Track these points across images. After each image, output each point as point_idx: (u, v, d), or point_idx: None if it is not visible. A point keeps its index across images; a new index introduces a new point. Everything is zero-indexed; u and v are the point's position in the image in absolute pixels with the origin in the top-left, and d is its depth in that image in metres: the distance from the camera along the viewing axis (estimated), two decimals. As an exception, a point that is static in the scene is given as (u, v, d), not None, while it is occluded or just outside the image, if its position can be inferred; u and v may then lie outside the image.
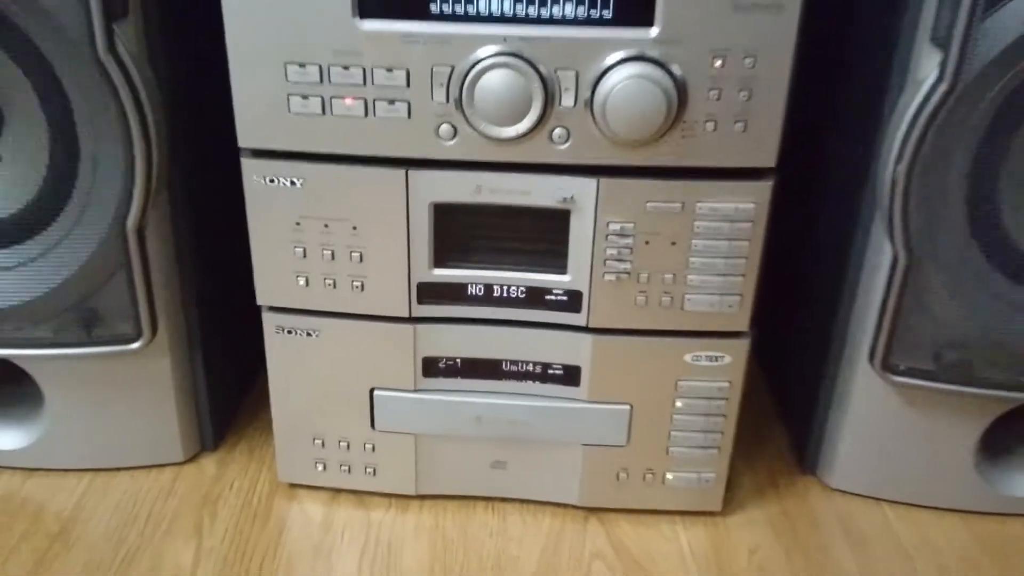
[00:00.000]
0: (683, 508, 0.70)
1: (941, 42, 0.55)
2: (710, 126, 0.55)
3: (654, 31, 0.53)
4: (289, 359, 0.66)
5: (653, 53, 0.53)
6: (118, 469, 0.73)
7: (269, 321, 0.65)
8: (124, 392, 0.70)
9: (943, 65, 0.55)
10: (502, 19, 0.53)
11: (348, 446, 0.69)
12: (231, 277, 0.73)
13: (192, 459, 0.74)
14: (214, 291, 0.71)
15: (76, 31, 0.56)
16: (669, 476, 0.68)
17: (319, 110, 0.56)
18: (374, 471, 0.69)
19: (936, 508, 0.72)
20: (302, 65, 0.55)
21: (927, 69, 0.56)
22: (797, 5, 0.52)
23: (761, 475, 0.75)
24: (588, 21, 0.53)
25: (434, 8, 0.53)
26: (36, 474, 0.73)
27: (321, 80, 0.55)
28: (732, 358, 0.63)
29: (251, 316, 0.67)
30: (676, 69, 0.53)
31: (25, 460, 0.73)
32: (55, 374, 0.70)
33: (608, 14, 0.53)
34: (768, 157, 0.57)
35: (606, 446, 0.67)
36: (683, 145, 0.56)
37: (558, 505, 0.70)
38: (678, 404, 0.65)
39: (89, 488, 0.71)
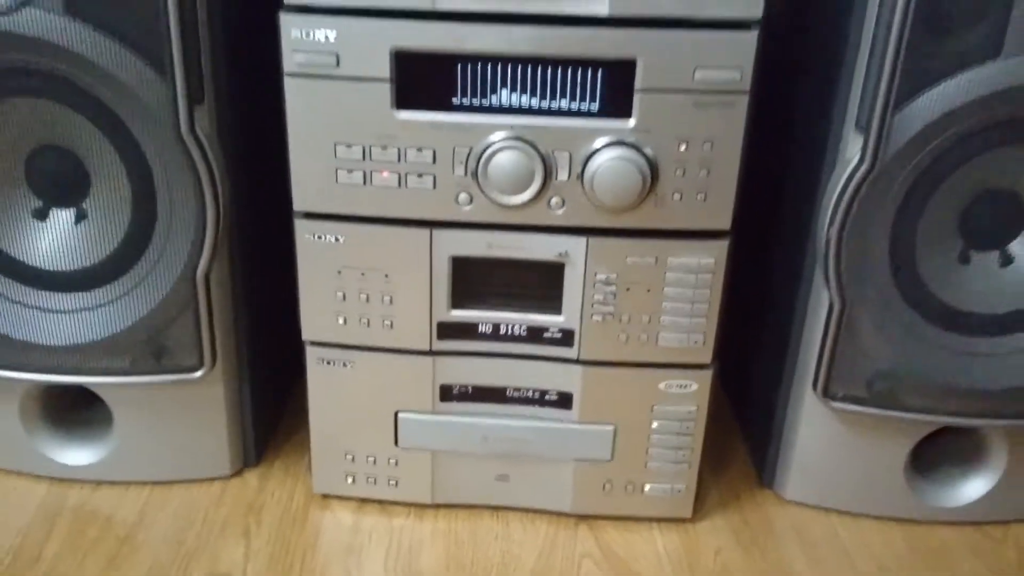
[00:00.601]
0: (659, 515, 0.81)
1: (863, 130, 0.67)
2: (677, 196, 0.68)
3: (631, 122, 0.66)
4: (327, 386, 0.77)
5: (631, 139, 0.66)
6: (174, 482, 0.84)
7: (312, 354, 0.76)
8: (182, 414, 0.81)
9: (864, 148, 0.66)
10: (511, 111, 0.66)
11: (375, 461, 0.80)
12: (271, 316, 0.85)
13: (237, 473, 0.85)
14: (258, 328, 0.83)
15: (163, 114, 0.67)
16: (647, 487, 0.80)
17: (361, 181, 0.69)
18: (396, 483, 0.81)
19: (874, 516, 0.82)
20: (349, 145, 0.68)
21: (853, 151, 0.68)
22: (745, 102, 0.65)
23: (725, 488, 0.86)
24: (579, 113, 0.66)
25: (456, 102, 0.66)
26: (103, 486, 0.83)
27: (363, 157, 0.68)
28: (698, 386, 0.75)
29: (285, 350, 0.78)
30: (649, 152, 0.66)
31: (94, 474, 0.84)
32: (125, 399, 0.81)
33: (595, 108, 0.66)
34: (724, 221, 0.69)
35: (594, 461, 0.78)
36: (655, 212, 0.68)
37: (553, 513, 0.81)
38: (654, 425, 0.77)
39: (150, 498, 0.82)
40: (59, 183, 0.74)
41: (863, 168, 0.67)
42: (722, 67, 0.64)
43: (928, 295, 0.73)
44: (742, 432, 0.94)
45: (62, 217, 0.75)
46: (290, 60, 0.65)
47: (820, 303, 0.74)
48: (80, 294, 0.76)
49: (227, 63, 0.71)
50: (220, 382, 0.80)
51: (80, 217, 0.75)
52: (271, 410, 0.91)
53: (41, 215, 0.75)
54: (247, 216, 0.78)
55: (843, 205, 0.69)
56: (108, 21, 0.65)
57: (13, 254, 0.75)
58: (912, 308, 0.73)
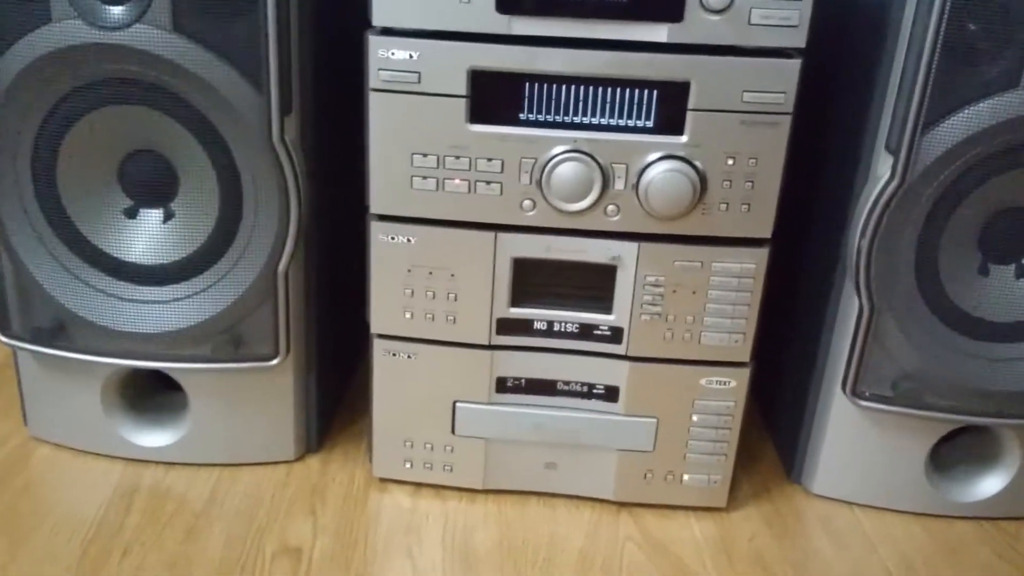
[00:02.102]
0: (696, 504, 0.87)
1: (893, 150, 0.73)
2: (723, 207, 0.74)
3: (684, 138, 0.72)
4: (391, 376, 0.83)
5: (682, 153, 0.73)
6: (242, 464, 0.90)
7: (379, 346, 0.83)
8: (253, 401, 0.87)
9: (894, 167, 0.73)
10: (573, 126, 0.73)
11: (432, 447, 0.86)
12: (337, 311, 0.92)
13: (300, 458, 0.91)
14: (326, 323, 0.90)
15: (256, 123, 0.74)
16: (686, 477, 0.86)
17: (434, 187, 0.75)
18: (451, 468, 0.87)
19: (896, 510, 0.88)
20: (425, 155, 0.74)
21: (883, 168, 0.74)
22: (787, 122, 0.72)
23: (756, 482, 0.92)
24: (636, 130, 0.73)
25: (523, 117, 0.73)
26: (175, 468, 0.90)
27: (438, 166, 0.74)
28: (737, 382, 0.81)
29: (347, 344, 0.84)
30: (699, 165, 0.73)
31: (167, 456, 0.90)
32: (201, 385, 0.87)
33: (651, 124, 0.73)
34: (766, 230, 0.76)
35: (636, 451, 0.84)
36: (703, 220, 0.75)
37: (596, 500, 0.87)
38: (694, 419, 0.83)
39: (220, 479, 0.88)
40: (150, 185, 0.80)
41: (892, 184, 0.74)
42: (768, 90, 0.70)
43: (950, 303, 0.79)
44: (769, 430, 1.00)
45: (151, 216, 0.81)
46: (375, 77, 0.72)
47: (850, 308, 0.80)
48: (167, 287, 0.82)
49: (314, 78, 0.78)
50: (290, 371, 0.86)
51: (168, 216, 0.81)
52: (332, 400, 0.98)
53: (131, 214, 0.81)
54: (323, 217, 0.84)
55: (874, 218, 0.75)
56: (211, 38, 0.72)
57: (103, 248, 0.82)
58: (935, 315, 0.79)
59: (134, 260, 0.82)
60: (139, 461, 0.90)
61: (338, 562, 0.79)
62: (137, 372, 0.88)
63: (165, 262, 0.82)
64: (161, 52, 0.72)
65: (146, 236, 0.82)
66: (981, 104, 0.71)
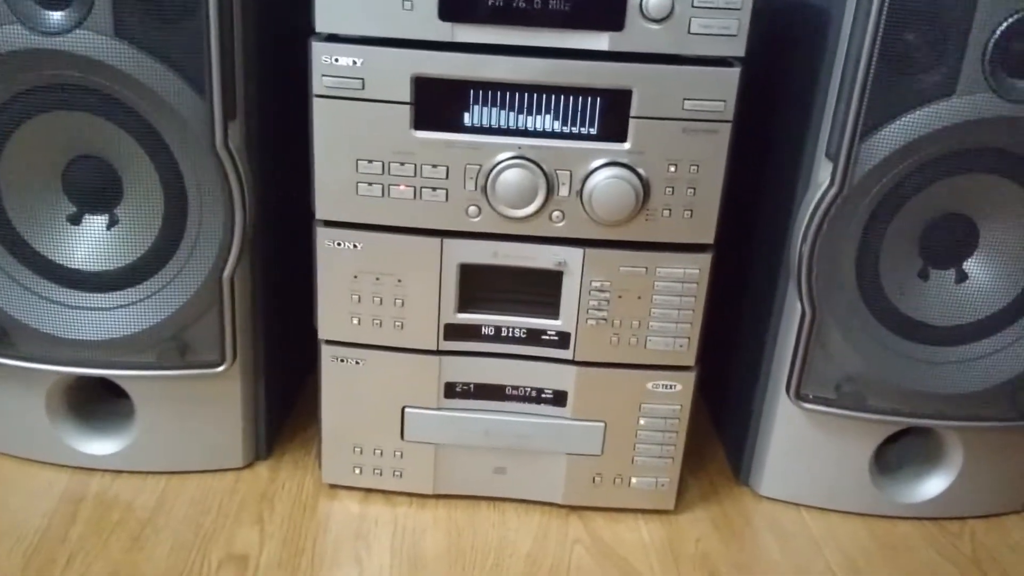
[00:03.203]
0: (644, 507, 0.87)
1: (833, 157, 0.74)
2: (666, 213, 0.75)
3: (627, 145, 0.73)
4: (340, 382, 0.83)
5: (625, 160, 0.73)
6: (190, 472, 0.89)
7: (327, 352, 0.82)
8: (200, 408, 0.87)
9: (833, 173, 0.74)
10: (518, 133, 0.73)
11: (381, 453, 0.86)
12: (285, 317, 0.91)
13: (248, 466, 0.91)
14: (274, 328, 0.89)
15: (200, 128, 0.73)
16: (634, 480, 0.86)
17: (379, 194, 0.75)
18: (401, 474, 0.87)
19: (842, 511, 0.89)
20: (370, 161, 0.74)
21: (823, 176, 0.75)
22: (728, 130, 0.72)
23: (704, 484, 0.93)
24: (580, 137, 0.73)
25: (468, 124, 0.73)
26: (122, 475, 0.89)
27: (383, 172, 0.75)
28: (683, 386, 0.82)
29: (295, 350, 0.84)
30: (642, 172, 0.73)
31: (114, 464, 0.89)
32: (147, 392, 0.86)
33: (594, 132, 0.73)
34: (708, 236, 0.77)
35: (585, 455, 0.85)
36: (646, 226, 0.75)
37: (546, 504, 0.88)
38: (641, 422, 0.84)
39: (167, 486, 0.88)
40: (93, 191, 0.80)
41: (832, 191, 0.75)
42: (708, 98, 0.71)
43: (891, 307, 0.81)
44: (719, 433, 1.01)
45: (95, 222, 0.81)
46: (319, 83, 0.72)
47: (793, 313, 0.81)
48: (111, 293, 0.81)
49: (257, 83, 0.78)
50: (238, 378, 0.86)
51: (112, 222, 0.80)
52: (281, 406, 0.97)
53: (75, 220, 0.81)
54: (269, 223, 0.84)
55: (814, 224, 0.77)
56: (153, 43, 0.72)
57: (47, 255, 0.81)
58: (876, 319, 0.81)
59: (78, 266, 0.81)
60: (85, 469, 0.89)
61: (285, 569, 0.78)
62: (82, 379, 0.87)
63: (110, 268, 0.81)
64: (102, 58, 0.71)
65: (90, 242, 0.81)
66: (918, 112, 0.72)
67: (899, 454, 0.91)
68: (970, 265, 0.81)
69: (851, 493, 0.89)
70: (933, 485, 0.90)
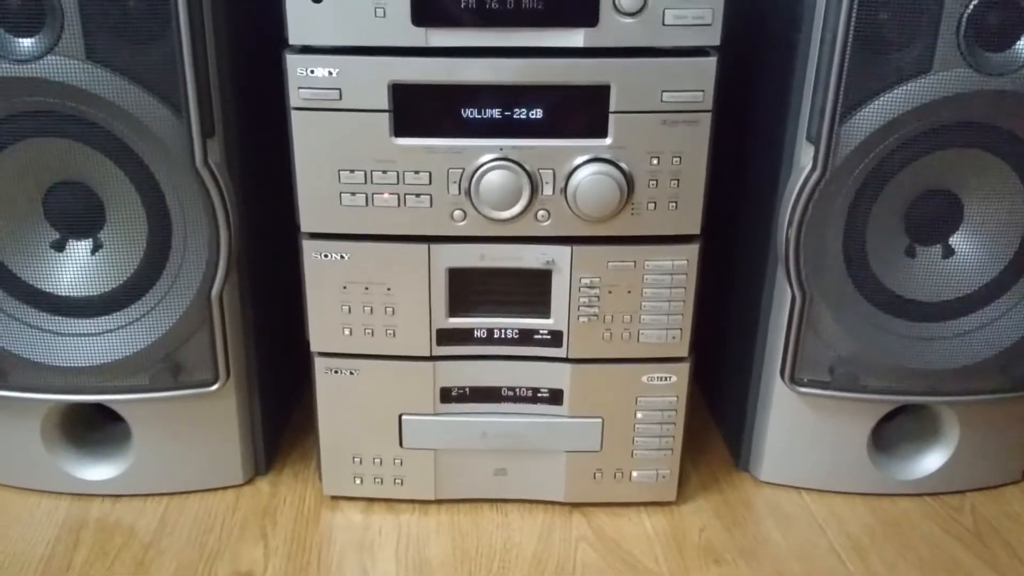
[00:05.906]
0: (646, 500, 0.87)
1: (813, 140, 0.74)
2: (651, 206, 0.75)
3: (608, 140, 0.73)
4: (335, 394, 0.83)
5: (608, 156, 0.73)
6: (190, 492, 0.89)
7: (320, 364, 0.82)
8: (197, 428, 0.86)
9: (815, 156, 0.74)
10: (499, 134, 0.73)
11: (381, 462, 0.86)
12: (277, 332, 0.91)
13: (249, 482, 0.91)
14: (266, 343, 0.89)
15: (178, 148, 0.73)
16: (634, 474, 0.86)
17: (363, 203, 0.75)
18: (401, 481, 0.87)
19: (842, 492, 0.90)
20: (352, 171, 0.74)
21: (805, 159, 0.75)
22: (708, 119, 0.72)
23: (705, 473, 0.93)
24: (561, 134, 0.73)
25: (447, 128, 0.73)
26: (122, 499, 0.88)
27: (365, 181, 0.74)
28: (678, 377, 0.82)
29: (289, 363, 0.84)
30: (625, 166, 0.73)
31: (113, 488, 0.88)
32: (142, 415, 0.86)
33: (575, 129, 0.73)
34: (694, 226, 0.77)
35: (584, 452, 0.85)
36: (632, 220, 0.75)
37: (548, 503, 0.88)
38: (638, 416, 0.84)
39: (168, 508, 0.87)
40: (76, 216, 0.79)
41: (815, 174, 0.75)
42: (686, 89, 0.71)
43: (879, 286, 0.81)
44: (716, 421, 1.02)
45: (79, 247, 0.80)
46: (295, 96, 0.72)
47: (783, 297, 0.82)
48: (100, 318, 0.81)
49: (234, 99, 0.77)
50: (232, 395, 0.86)
51: (96, 247, 0.80)
52: (278, 421, 0.97)
53: (59, 246, 0.80)
54: (255, 238, 0.83)
55: (799, 208, 0.77)
56: (126, 64, 0.71)
57: (32, 282, 0.80)
58: (866, 299, 0.81)
59: (65, 293, 0.81)
60: (85, 496, 0.89)
61: (291, 584, 0.78)
62: (77, 406, 0.87)
63: (97, 293, 0.81)
64: (76, 82, 0.71)
65: (75, 268, 0.80)
66: (896, 90, 0.72)
67: (896, 432, 0.91)
68: (956, 240, 0.81)
69: (850, 473, 0.89)
70: (931, 461, 0.90)
